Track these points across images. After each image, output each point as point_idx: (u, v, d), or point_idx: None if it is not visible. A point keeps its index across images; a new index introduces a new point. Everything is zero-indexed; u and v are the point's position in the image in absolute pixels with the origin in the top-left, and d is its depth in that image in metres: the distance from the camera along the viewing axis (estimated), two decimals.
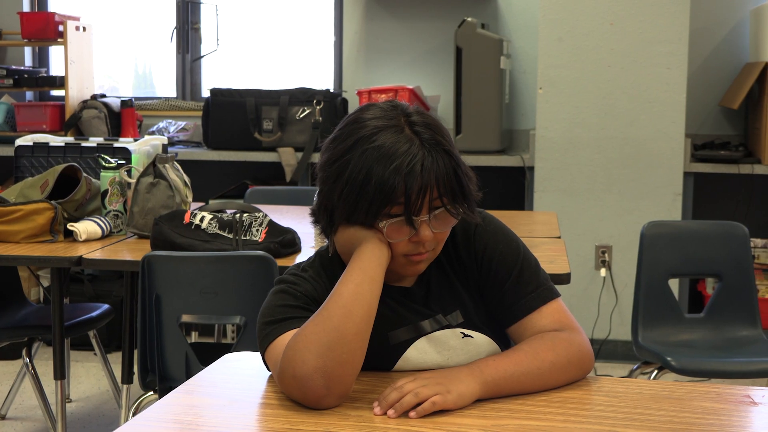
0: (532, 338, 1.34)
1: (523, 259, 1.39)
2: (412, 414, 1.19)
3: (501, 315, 1.39)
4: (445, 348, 1.38)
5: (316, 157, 4.07)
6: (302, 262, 1.41)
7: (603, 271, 3.80)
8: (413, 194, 1.26)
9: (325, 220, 1.35)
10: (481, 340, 1.39)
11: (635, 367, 2.68)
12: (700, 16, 3.96)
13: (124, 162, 2.68)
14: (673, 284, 2.90)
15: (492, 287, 1.39)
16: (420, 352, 1.38)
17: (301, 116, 4.04)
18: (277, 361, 1.28)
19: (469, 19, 3.88)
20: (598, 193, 3.77)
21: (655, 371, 2.56)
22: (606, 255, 3.79)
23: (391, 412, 1.20)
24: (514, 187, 4.03)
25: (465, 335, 1.38)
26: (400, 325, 1.38)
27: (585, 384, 1.33)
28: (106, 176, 2.61)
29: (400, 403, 1.20)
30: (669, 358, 2.49)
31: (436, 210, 1.29)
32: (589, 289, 3.80)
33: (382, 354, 1.37)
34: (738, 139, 4.06)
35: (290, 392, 1.25)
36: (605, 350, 3.82)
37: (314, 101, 4.03)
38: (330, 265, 1.39)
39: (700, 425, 1.18)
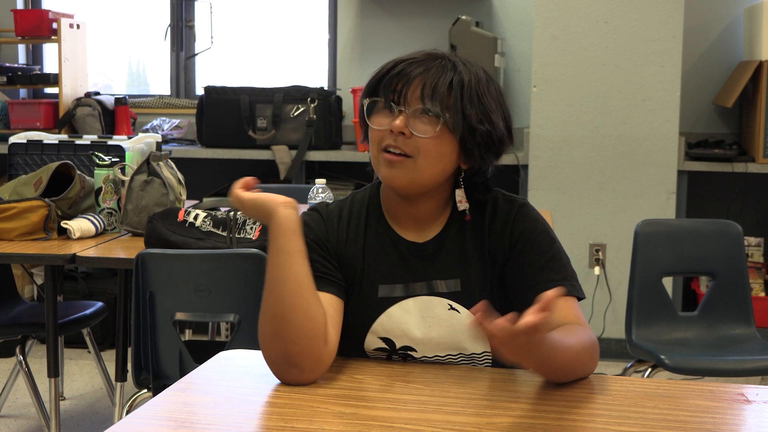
0: (570, 325, 1.34)
1: (557, 250, 1.41)
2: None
3: (522, 295, 1.37)
4: (429, 315, 1.39)
5: (311, 155, 4.08)
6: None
7: (597, 270, 3.80)
8: (398, 80, 1.34)
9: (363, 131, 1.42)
10: (465, 317, 1.39)
11: (629, 365, 2.68)
12: (695, 14, 3.97)
13: (117, 160, 2.67)
14: (667, 282, 2.90)
15: (520, 266, 1.39)
16: (404, 311, 1.39)
17: (295, 114, 4.03)
18: None
19: (464, 17, 3.88)
20: (592, 192, 3.77)
21: (649, 369, 2.56)
22: (600, 253, 3.80)
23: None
24: (508, 185, 4.02)
25: (451, 308, 1.39)
26: (393, 281, 1.40)
27: (579, 382, 1.33)
28: (100, 174, 2.60)
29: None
30: (663, 357, 2.49)
31: (418, 111, 1.34)
32: (582, 287, 3.79)
33: (367, 305, 1.39)
34: (732, 137, 4.07)
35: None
36: (599, 348, 3.82)
37: (308, 99, 4.02)
38: (364, 201, 1.45)
39: (694, 423, 1.18)
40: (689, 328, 2.72)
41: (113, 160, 2.64)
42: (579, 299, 1.41)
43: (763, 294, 3.81)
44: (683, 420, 1.19)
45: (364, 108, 1.38)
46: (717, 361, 2.53)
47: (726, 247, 2.73)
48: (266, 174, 4.20)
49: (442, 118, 1.33)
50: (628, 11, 3.68)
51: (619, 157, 3.74)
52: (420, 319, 1.39)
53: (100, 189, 2.60)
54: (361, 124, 1.42)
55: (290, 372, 1.29)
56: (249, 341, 2.10)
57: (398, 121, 1.33)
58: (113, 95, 4.31)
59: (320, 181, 2.78)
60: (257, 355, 1.48)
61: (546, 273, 1.38)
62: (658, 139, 3.70)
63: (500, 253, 1.40)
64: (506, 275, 1.41)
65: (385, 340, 1.41)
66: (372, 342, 1.41)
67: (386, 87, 1.35)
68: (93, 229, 2.52)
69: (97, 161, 2.62)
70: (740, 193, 4.03)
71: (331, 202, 1.49)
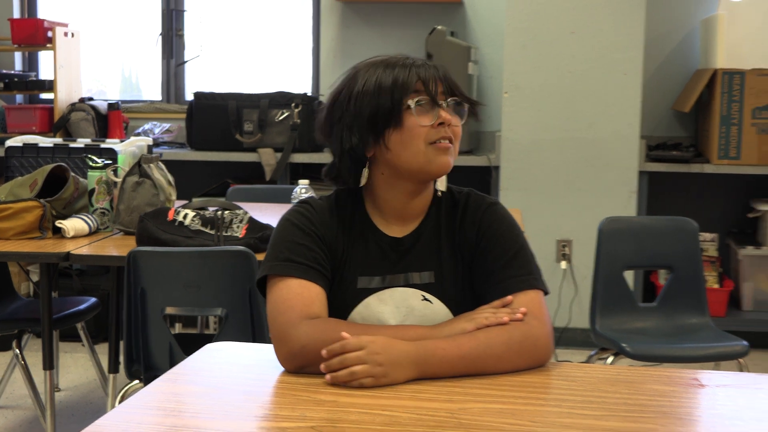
0: (492, 329, 1.32)
1: (521, 247, 1.41)
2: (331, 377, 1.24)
3: (486, 291, 1.39)
4: (404, 305, 1.40)
5: (295, 158, 4.07)
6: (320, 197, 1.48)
7: (563, 264, 3.83)
8: (429, 79, 1.36)
9: (351, 156, 1.38)
10: (438, 308, 1.40)
11: (593, 353, 2.70)
12: (655, 25, 4.00)
13: (110, 162, 2.66)
14: (629, 275, 2.93)
15: (484, 262, 1.40)
16: (380, 301, 1.40)
17: (280, 118, 4.02)
18: (272, 297, 1.35)
19: (439, 27, 3.88)
20: (560, 191, 3.79)
21: (611, 357, 2.58)
22: (566, 249, 3.82)
23: (328, 377, 1.24)
24: (480, 186, 4.04)
25: (425, 298, 1.40)
26: (372, 273, 1.41)
27: (545, 369, 1.34)
28: (93, 175, 2.59)
29: (335, 376, 1.24)
30: (624, 345, 2.52)
31: (454, 102, 1.39)
32: (550, 281, 3.82)
33: (346, 295, 1.40)
34: (689, 140, 4.11)
35: (272, 333, 1.33)
36: (565, 337, 3.85)
37: (293, 104, 4.01)
38: (344, 203, 1.44)
39: (652, 406, 1.20)
40: (649, 318, 2.74)
41: (106, 162, 2.63)
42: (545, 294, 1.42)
43: (716, 286, 3.85)
44: (642, 404, 1.21)
45: (413, 108, 1.35)
46: (674, 349, 2.56)
47: (683, 243, 2.76)
48: (252, 175, 4.19)
49: (468, 106, 1.41)
50: (593, 23, 3.70)
51: (584, 159, 3.76)
52: (395, 308, 1.40)
53: (93, 190, 2.58)
54: (382, 127, 1.35)
55: (298, 368, 1.30)
56: (235, 334, 2.10)
57: (448, 114, 1.38)
58: (106, 100, 4.27)
59: (303, 182, 2.78)
60: (243, 346, 1.48)
61: (510, 270, 1.38)
62: (620, 142, 3.73)
63: (467, 249, 1.42)
64: (473, 272, 1.42)
65: None
66: None
67: (427, 88, 1.37)
68: (86, 228, 2.51)
69: (91, 163, 2.60)
70: (696, 192, 4.07)
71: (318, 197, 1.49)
